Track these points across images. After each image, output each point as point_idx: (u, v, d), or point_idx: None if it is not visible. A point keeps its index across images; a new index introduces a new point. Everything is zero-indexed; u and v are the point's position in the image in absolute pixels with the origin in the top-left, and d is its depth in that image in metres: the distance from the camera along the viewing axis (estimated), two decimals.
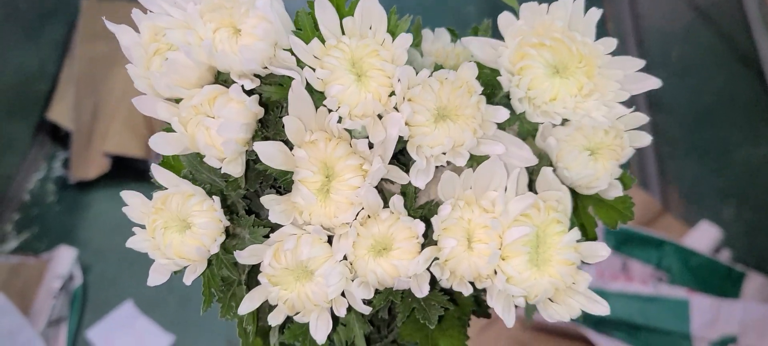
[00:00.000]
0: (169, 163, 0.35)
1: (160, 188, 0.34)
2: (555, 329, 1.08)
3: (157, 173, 0.33)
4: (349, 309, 0.35)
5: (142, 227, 0.33)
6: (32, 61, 1.53)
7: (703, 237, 1.19)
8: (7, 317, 1.13)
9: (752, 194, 1.35)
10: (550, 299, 0.32)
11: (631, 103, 0.34)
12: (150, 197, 0.33)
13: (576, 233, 0.32)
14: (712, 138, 1.45)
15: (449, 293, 0.36)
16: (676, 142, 1.45)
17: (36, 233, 1.34)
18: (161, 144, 0.33)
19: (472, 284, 0.33)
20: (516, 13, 0.34)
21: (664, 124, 1.46)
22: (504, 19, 0.33)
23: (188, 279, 0.33)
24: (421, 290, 0.32)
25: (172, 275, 0.34)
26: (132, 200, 0.33)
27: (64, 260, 1.25)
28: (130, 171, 1.42)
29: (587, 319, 1.06)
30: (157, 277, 0.33)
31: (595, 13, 0.33)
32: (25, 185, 1.42)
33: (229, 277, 0.37)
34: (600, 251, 0.31)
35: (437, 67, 0.34)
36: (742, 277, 1.15)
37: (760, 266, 1.17)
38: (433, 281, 0.33)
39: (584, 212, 0.37)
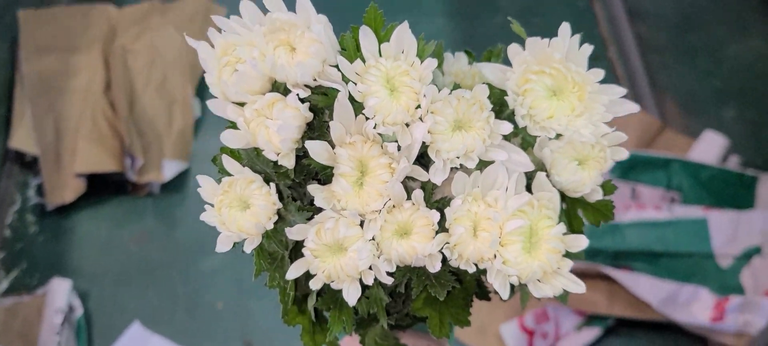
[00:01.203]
0: (233, 153, 0.43)
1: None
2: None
3: (226, 161, 0.41)
4: (373, 284, 0.42)
5: (212, 205, 0.41)
6: None
7: (709, 148, 1.16)
8: None
9: (751, 91, 1.29)
10: (538, 280, 0.39)
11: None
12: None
13: (562, 226, 0.39)
14: (700, 39, 1.38)
15: (456, 274, 0.43)
16: (663, 50, 1.38)
17: (25, 269, 1.28)
18: (230, 139, 0.41)
19: (475, 265, 0.40)
20: (522, 44, 0.41)
21: (648, 34, 1.41)
22: (513, 49, 0.41)
23: (248, 248, 0.41)
24: (434, 267, 0.39)
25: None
26: (205, 183, 0.41)
27: (59, 292, 1.20)
28: (107, 185, 1.35)
29: (606, 255, 1.05)
30: (222, 245, 0.41)
31: (587, 48, 0.40)
32: (3, 221, 1.33)
33: (275, 252, 0.45)
34: (580, 242, 0.39)
35: (455, 86, 0.42)
36: (754, 181, 1.12)
37: None
38: (444, 262, 0.41)
39: (574, 214, 0.44)
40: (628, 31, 1.44)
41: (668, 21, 1.46)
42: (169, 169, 1.37)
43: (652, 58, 1.38)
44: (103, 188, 1.35)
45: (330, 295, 0.44)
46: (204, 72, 0.42)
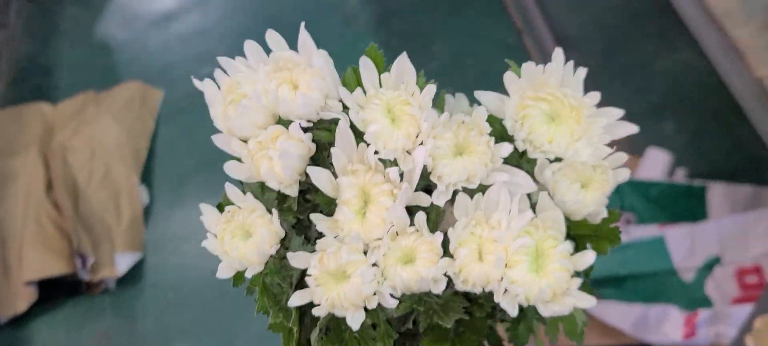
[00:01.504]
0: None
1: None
2: None
3: (229, 190, 0.41)
4: (381, 320, 0.41)
5: (215, 235, 0.41)
6: None
7: (654, 164, 1.18)
8: None
9: (685, 102, 1.32)
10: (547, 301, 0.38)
11: None
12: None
13: (569, 244, 0.39)
14: (629, 59, 1.41)
15: (465, 308, 0.42)
16: (595, 74, 1.42)
17: None
18: (233, 170, 0.41)
19: (482, 289, 0.39)
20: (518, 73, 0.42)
21: (579, 60, 1.44)
22: (508, 77, 0.42)
23: (249, 274, 0.40)
24: (439, 288, 0.38)
25: None
26: (207, 211, 0.41)
27: None
28: (60, 288, 1.30)
29: None
30: (223, 273, 0.41)
31: (581, 72, 0.41)
32: None
33: (279, 294, 0.44)
34: (587, 258, 0.38)
35: None
36: (703, 191, 1.14)
37: (715, 173, 1.15)
38: (452, 289, 0.40)
39: (582, 247, 0.44)
40: None
41: (596, 45, 1.50)
42: (123, 263, 1.34)
43: (586, 83, 1.43)
44: (57, 291, 1.31)
45: (335, 333, 0.43)
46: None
